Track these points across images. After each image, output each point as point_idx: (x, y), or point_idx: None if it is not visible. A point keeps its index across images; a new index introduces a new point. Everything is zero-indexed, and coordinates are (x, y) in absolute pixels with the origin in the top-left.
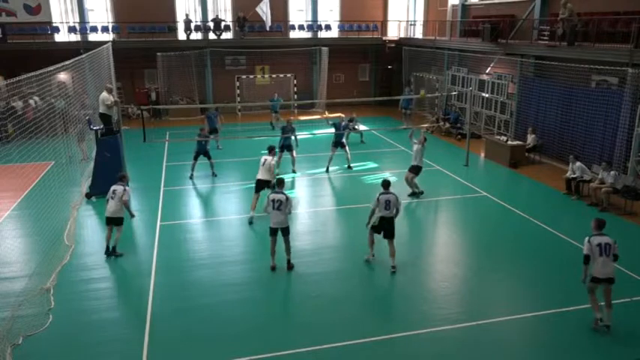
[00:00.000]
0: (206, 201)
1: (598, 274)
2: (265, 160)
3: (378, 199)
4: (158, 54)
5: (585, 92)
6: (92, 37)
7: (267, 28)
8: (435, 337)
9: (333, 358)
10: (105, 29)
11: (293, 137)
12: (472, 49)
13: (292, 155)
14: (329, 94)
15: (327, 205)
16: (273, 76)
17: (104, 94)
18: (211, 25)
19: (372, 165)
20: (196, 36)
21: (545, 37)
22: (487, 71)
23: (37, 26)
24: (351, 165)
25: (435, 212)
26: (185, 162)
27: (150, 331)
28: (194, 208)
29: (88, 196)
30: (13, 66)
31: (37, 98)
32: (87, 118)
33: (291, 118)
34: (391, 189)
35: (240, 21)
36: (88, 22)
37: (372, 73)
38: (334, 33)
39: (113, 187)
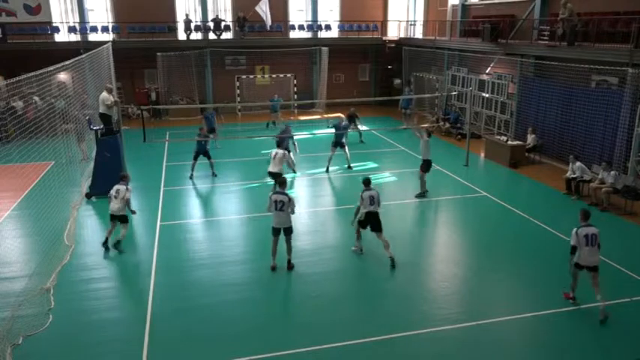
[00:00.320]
0: (206, 201)
1: (583, 262)
2: (276, 153)
3: (362, 196)
4: (158, 54)
5: (585, 92)
6: (92, 37)
7: (268, 28)
8: (435, 337)
9: (333, 358)
10: (105, 29)
11: (291, 142)
12: (472, 49)
13: (291, 157)
14: (329, 94)
15: (327, 205)
16: (273, 76)
17: (104, 94)
18: (211, 25)
19: (372, 165)
20: (196, 36)
21: (545, 37)
22: (487, 71)
23: (37, 26)
24: (351, 165)
25: (435, 212)
26: (185, 162)
27: (150, 331)
28: (194, 208)
29: (88, 196)
30: (13, 66)
31: (37, 98)
32: (87, 118)
33: (291, 118)
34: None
35: (240, 21)
36: (88, 22)
37: (372, 73)
38: (334, 33)
39: (116, 187)
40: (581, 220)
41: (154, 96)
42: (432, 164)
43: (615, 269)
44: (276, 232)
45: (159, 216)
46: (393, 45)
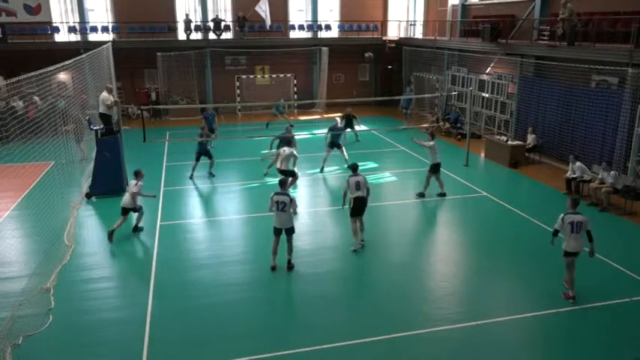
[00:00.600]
0: (206, 201)
1: (570, 249)
2: (284, 150)
3: (348, 181)
4: (158, 54)
5: (585, 92)
6: (92, 37)
7: (267, 27)
8: (435, 337)
9: (333, 358)
10: (105, 29)
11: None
12: (472, 49)
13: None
14: (329, 94)
15: (327, 205)
16: (273, 76)
17: (104, 94)
18: (211, 25)
19: (372, 165)
20: (196, 36)
21: (545, 37)
22: (487, 71)
23: (37, 26)
24: (349, 165)
25: (435, 212)
26: (185, 162)
27: (150, 331)
28: (194, 208)
29: (88, 196)
30: (13, 66)
31: (37, 98)
32: (87, 118)
33: (291, 117)
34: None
35: (240, 21)
36: (88, 22)
37: (372, 73)
38: (334, 33)
39: (131, 181)
40: (570, 207)
41: (154, 96)
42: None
43: (615, 269)
44: (277, 232)
45: (159, 216)
46: (393, 45)
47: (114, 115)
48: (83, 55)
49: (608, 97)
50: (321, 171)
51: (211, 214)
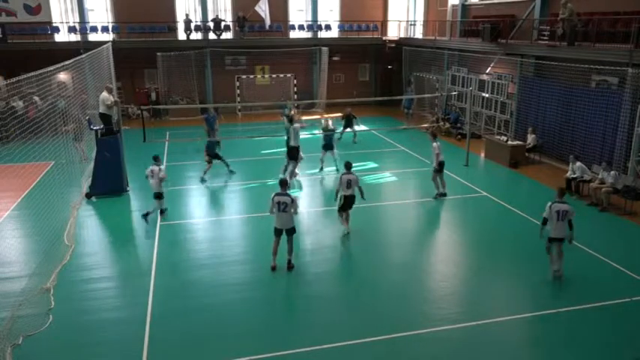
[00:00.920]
0: (206, 201)
1: (553, 235)
2: (294, 128)
3: (340, 179)
4: (158, 54)
5: (585, 92)
6: (92, 37)
7: (267, 27)
8: (435, 337)
9: (333, 358)
10: (105, 29)
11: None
12: (472, 49)
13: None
14: (329, 94)
15: (326, 204)
16: (273, 76)
17: (104, 94)
18: (211, 25)
19: (372, 165)
20: (196, 36)
21: (545, 37)
22: (487, 71)
23: (37, 26)
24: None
25: (435, 212)
26: (185, 162)
27: (150, 331)
28: (194, 208)
29: (88, 196)
30: (13, 66)
31: (37, 98)
32: (87, 118)
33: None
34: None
35: (240, 21)
36: (88, 22)
37: (372, 73)
38: (334, 33)
39: (151, 168)
40: (557, 197)
41: (154, 96)
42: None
43: (615, 269)
44: (278, 232)
45: (159, 216)
46: (393, 45)
47: (114, 115)
48: (83, 55)
49: (608, 97)
50: (321, 170)
51: (211, 214)
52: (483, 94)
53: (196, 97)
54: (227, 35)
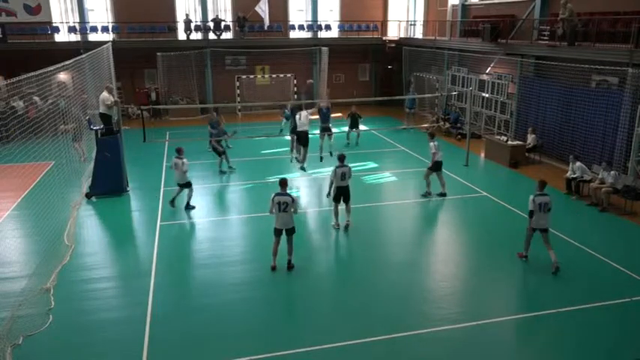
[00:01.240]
0: (206, 201)
1: (535, 225)
2: (300, 114)
3: (335, 171)
4: (158, 54)
5: (585, 92)
6: (92, 37)
7: (266, 27)
8: (434, 337)
9: (333, 358)
10: (105, 29)
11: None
12: (472, 49)
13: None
14: (329, 94)
15: (326, 204)
16: (273, 76)
17: (104, 94)
18: (211, 25)
19: (372, 165)
20: (196, 36)
21: (545, 37)
22: (487, 71)
23: (37, 26)
24: (332, 152)
25: (435, 212)
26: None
27: (150, 331)
28: (194, 208)
29: (88, 196)
30: (13, 66)
31: (37, 98)
32: (87, 118)
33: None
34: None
35: (240, 21)
36: (88, 22)
37: (372, 73)
38: (334, 33)
39: (174, 161)
40: (538, 189)
41: (154, 96)
42: (440, 165)
43: (615, 269)
44: (278, 232)
45: (159, 216)
46: (393, 45)
47: (114, 115)
48: (83, 55)
49: (608, 97)
50: (321, 160)
51: (211, 214)
52: (483, 94)
53: (196, 97)
54: (227, 35)
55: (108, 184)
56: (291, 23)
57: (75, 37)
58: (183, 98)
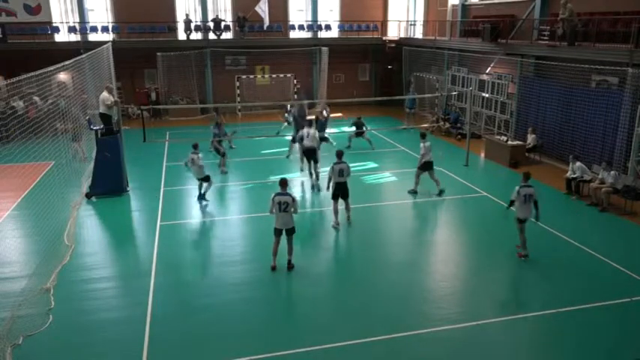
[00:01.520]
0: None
1: (521, 216)
2: (308, 132)
3: (333, 168)
4: (158, 54)
5: (585, 92)
6: (92, 37)
7: (266, 27)
8: (434, 337)
9: (333, 358)
10: (105, 29)
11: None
12: (472, 49)
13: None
14: (329, 94)
15: (326, 204)
16: (273, 76)
17: (104, 94)
18: (211, 25)
19: (372, 165)
20: (196, 36)
21: (545, 37)
22: (487, 71)
23: (37, 26)
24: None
25: (435, 212)
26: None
27: (150, 331)
28: (194, 208)
29: (88, 196)
30: (13, 66)
31: (37, 98)
32: (87, 118)
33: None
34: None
35: (240, 21)
36: (88, 22)
37: (372, 73)
38: (334, 33)
39: (191, 156)
40: (523, 181)
41: (154, 96)
42: (432, 165)
43: (615, 269)
44: (278, 232)
45: (159, 216)
46: (393, 45)
47: (114, 115)
48: (83, 55)
49: (608, 97)
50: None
51: (211, 214)
52: (483, 94)
53: (196, 97)
54: (227, 35)
55: (108, 184)
56: (291, 23)
57: (75, 37)
58: (183, 98)
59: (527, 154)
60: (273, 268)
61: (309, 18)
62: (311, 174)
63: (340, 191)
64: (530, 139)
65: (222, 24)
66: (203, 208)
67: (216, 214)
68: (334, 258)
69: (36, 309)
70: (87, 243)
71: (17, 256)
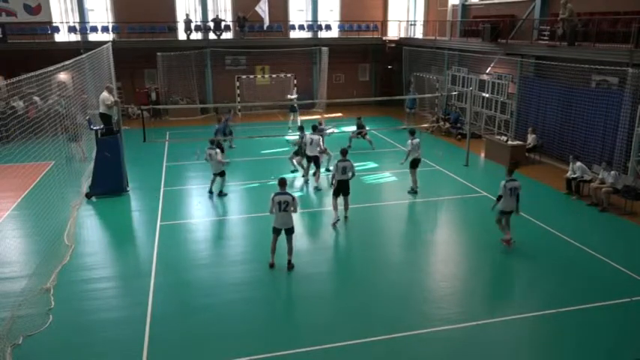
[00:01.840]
0: (206, 201)
1: (505, 209)
2: (312, 139)
3: (337, 165)
4: (158, 54)
5: (585, 92)
6: (92, 37)
7: (266, 27)
8: (434, 337)
9: (333, 358)
10: (105, 29)
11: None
12: (472, 49)
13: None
14: (329, 94)
15: (326, 204)
16: (273, 76)
17: (104, 94)
18: (211, 25)
19: (372, 165)
20: (196, 36)
21: (546, 37)
22: (487, 71)
23: (37, 26)
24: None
25: (435, 212)
26: (185, 162)
27: (150, 331)
28: (194, 208)
29: (88, 196)
30: (13, 66)
31: (37, 98)
32: (87, 118)
33: (291, 117)
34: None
35: (240, 21)
36: (88, 22)
37: (372, 73)
38: (334, 33)
39: (208, 152)
40: (508, 175)
41: (154, 96)
42: (419, 163)
43: (615, 269)
44: (276, 231)
45: (159, 216)
46: (393, 45)
47: (114, 115)
48: (83, 55)
49: (608, 97)
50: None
51: (211, 214)
52: (483, 94)
53: (196, 97)
54: (227, 35)
55: (108, 184)
56: (291, 23)
57: (75, 37)
58: (183, 98)
59: (527, 154)
60: (272, 266)
61: (309, 18)
62: (304, 176)
63: (342, 188)
64: (531, 139)
65: (223, 24)
66: (203, 208)
67: (216, 214)
68: (334, 258)
69: (36, 309)
70: (87, 243)
71: (17, 256)
